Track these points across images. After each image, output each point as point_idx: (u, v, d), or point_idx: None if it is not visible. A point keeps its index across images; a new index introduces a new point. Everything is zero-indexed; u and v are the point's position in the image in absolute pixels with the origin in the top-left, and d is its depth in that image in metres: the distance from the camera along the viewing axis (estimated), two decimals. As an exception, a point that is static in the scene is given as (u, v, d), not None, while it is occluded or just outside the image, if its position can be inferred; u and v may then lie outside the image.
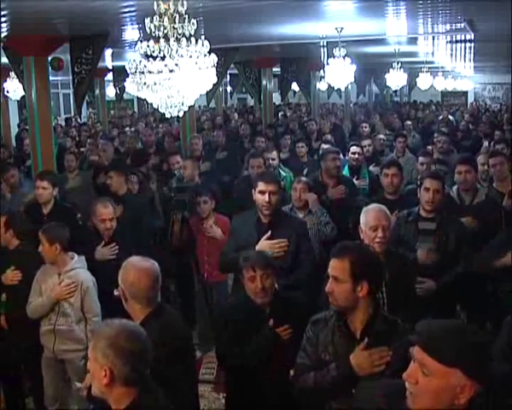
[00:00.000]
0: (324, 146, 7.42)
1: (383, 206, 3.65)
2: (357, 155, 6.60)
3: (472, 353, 1.77)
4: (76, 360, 4.14)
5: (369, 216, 3.50)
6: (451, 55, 13.37)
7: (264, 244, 3.87)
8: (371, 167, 6.83)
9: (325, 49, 9.96)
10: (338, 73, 8.26)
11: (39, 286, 4.18)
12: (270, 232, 3.91)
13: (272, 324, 3.14)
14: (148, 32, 3.65)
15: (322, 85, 15.48)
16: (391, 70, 12.18)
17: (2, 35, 6.61)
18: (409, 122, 11.96)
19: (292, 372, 2.89)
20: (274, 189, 3.98)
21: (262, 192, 3.97)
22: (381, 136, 8.93)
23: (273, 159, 6.60)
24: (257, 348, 3.14)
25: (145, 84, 3.76)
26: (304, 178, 5.27)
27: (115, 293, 4.27)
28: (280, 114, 14.64)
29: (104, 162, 7.43)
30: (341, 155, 8.20)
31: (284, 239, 3.89)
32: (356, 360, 2.52)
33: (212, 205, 5.33)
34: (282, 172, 6.60)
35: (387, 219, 3.51)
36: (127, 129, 13.34)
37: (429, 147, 7.99)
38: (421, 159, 6.26)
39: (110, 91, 15.63)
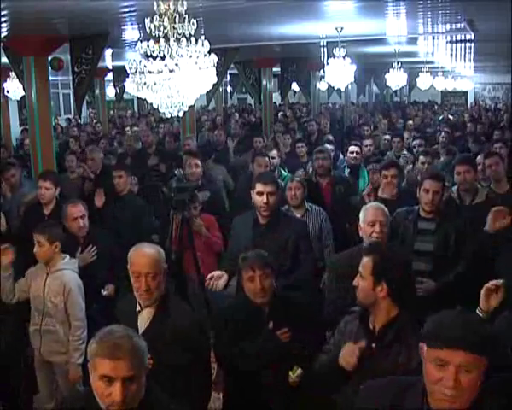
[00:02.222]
0: (327, 146, 7.42)
1: (381, 204, 3.71)
2: (355, 155, 6.63)
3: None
4: (62, 362, 4.11)
5: (368, 212, 3.56)
6: (451, 55, 13.37)
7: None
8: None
9: (325, 49, 9.96)
10: (338, 73, 8.27)
11: (28, 282, 4.16)
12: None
13: (272, 326, 3.13)
14: (148, 32, 3.66)
15: (322, 85, 15.48)
16: (391, 70, 12.18)
17: (2, 35, 6.61)
18: (410, 122, 11.98)
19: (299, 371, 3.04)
20: (272, 189, 3.98)
21: (260, 193, 3.97)
22: (387, 136, 8.94)
23: (273, 158, 6.59)
24: (257, 350, 3.12)
25: (145, 84, 3.76)
26: (297, 177, 5.27)
27: (104, 293, 4.31)
28: (280, 114, 14.64)
29: (90, 173, 6.83)
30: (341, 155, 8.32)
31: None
32: (340, 356, 2.60)
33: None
34: (283, 172, 6.59)
35: (385, 216, 3.56)
36: (127, 129, 13.33)
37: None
38: (421, 158, 6.26)
39: (110, 91, 15.64)
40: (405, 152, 7.88)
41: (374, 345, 2.57)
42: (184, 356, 2.83)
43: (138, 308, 3.00)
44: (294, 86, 15.54)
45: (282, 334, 3.12)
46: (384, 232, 3.49)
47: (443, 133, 8.42)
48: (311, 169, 6.54)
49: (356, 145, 6.81)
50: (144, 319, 2.98)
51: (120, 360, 2.00)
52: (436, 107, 21.77)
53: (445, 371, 1.82)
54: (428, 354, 1.88)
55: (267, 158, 6.03)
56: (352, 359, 2.56)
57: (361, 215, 3.59)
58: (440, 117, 16.16)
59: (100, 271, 4.46)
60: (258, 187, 3.99)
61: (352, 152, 6.67)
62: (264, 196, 3.94)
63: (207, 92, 4.70)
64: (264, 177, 4.18)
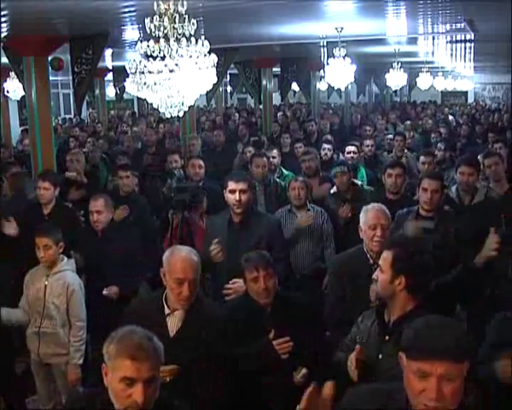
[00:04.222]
0: (325, 146, 7.44)
1: (383, 205, 3.64)
2: (352, 155, 6.64)
3: (471, 341, 1.84)
4: (61, 364, 4.10)
5: (369, 215, 3.49)
6: (451, 55, 13.37)
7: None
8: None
9: (325, 49, 9.96)
10: (338, 73, 8.27)
11: (27, 290, 4.13)
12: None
13: (272, 336, 3.07)
14: (148, 32, 3.66)
15: (322, 85, 15.47)
16: (391, 70, 12.19)
17: (2, 35, 6.62)
18: (408, 122, 11.97)
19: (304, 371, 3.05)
20: (244, 187, 3.97)
21: (232, 191, 3.96)
22: (390, 136, 8.94)
23: (274, 157, 6.60)
24: (252, 358, 3.09)
25: (145, 84, 3.77)
26: (301, 177, 5.29)
27: (104, 292, 4.29)
28: (279, 115, 14.63)
29: (84, 177, 6.54)
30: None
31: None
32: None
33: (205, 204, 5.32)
34: (285, 171, 6.59)
35: (387, 219, 3.49)
36: (128, 129, 13.33)
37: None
38: (422, 158, 6.26)
39: (110, 91, 15.64)
40: (407, 151, 7.89)
41: (387, 338, 2.59)
42: (214, 354, 2.85)
43: (167, 311, 2.95)
44: (294, 86, 15.54)
45: (281, 344, 3.04)
46: (386, 236, 3.43)
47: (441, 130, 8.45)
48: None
49: (353, 145, 6.82)
50: (175, 320, 2.94)
51: (143, 362, 2.00)
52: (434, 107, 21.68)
53: (427, 382, 1.79)
54: (409, 366, 1.84)
55: (265, 158, 6.02)
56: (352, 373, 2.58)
57: (362, 216, 3.53)
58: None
59: (108, 270, 4.43)
60: (231, 185, 3.98)
61: (349, 152, 6.70)
62: (237, 193, 3.94)
63: (207, 92, 4.70)
64: (235, 175, 4.17)
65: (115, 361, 2.03)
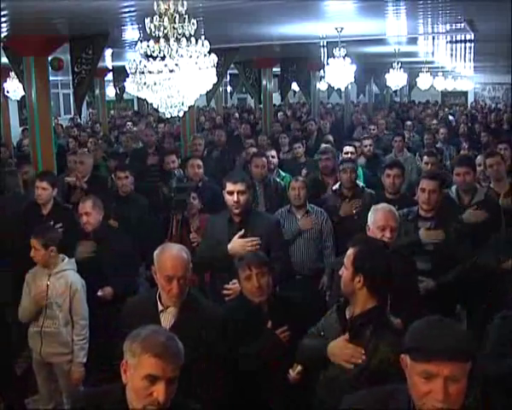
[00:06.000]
0: (324, 146, 7.45)
1: (392, 206, 3.63)
2: (349, 155, 6.65)
3: (473, 341, 1.86)
4: (63, 363, 4.11)
5: (378, 215, 3.48)
6: (451, 55, 13.37)
7: (236, 243, 3.86)
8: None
9: (325, 49, 9.96)
10: (338, 73, 8.27)
11: (29, 289, 4.13)
12: (242, 231, 3.88)
13: (271, 325, 3.12)
14: (148, 32, 3.66)
15: (322, 85, 15.47)
16: (391, 70, 12.18)
17: (2, 35, 6.62)
18: (409, 122, 11.97)
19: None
20: (242, 188, 3.97)
21: (230, 192, 3.97)
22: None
23: (273, 157, 6.61)
24: (258, 350, 3.12)
25: (145, 84, 3.76)
26: (301, 177, 5.30)
27: (99, 293, 4.29)
28: (279, 114, 14.63)
29: (83, 183, 6.34)
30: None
31: (256, 237, 3.83)
32: (332, 346, 2.65)
33: (199, 205, 5.30)
34: (282, 172, 6.59)
35: (395, 220, 3.49)
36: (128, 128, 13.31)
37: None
38: (425, 158, 6.27)
39: (110, 91, 15.63)
40: (406, 151, 7.89)
41: (347, 334, 2.61)
42: (210, 354, 2.86)
43: (161, 308, 2.98)
44: (294, 86, 15.54)
45: (281, 333, 3.12)
46: (394, 238, 3.44)
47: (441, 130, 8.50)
48: (304, 171, 6.61)
49: (350, 146, 6.86)
50: (169, 317, 2.96)
51: (168, 361, 2.02)
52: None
53: (433, 383, 1.78)
54: (413, 368, 1.83)
55: (264, 158, 6.03)
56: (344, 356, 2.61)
57: (370, 216, 3.52)
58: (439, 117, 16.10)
59: (102, 270, 4.41)
60: (229, 186, 3.99)
61: (347, 152, 6.72)
62: (235, 194, 3.94)
63: (207, 92, 4.70)
64: (233, 176, 4.17)
65: (140, 358, 2.04)
